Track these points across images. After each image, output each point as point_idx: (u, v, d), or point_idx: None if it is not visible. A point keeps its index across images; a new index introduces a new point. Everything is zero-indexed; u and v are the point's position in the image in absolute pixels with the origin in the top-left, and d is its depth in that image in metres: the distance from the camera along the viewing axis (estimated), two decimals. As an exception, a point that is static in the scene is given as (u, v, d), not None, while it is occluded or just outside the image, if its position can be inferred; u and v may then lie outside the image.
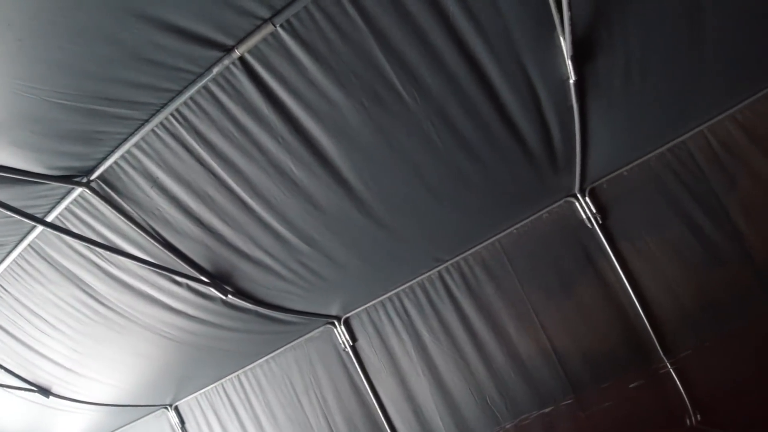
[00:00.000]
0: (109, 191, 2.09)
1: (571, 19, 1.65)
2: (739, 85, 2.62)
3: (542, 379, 2.86)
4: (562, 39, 1.79)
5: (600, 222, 2.82)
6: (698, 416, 2.67)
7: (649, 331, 2.76)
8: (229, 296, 2.59)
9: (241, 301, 2.66)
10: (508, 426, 2.91)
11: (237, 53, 1.68)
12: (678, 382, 2.72)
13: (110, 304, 2.65)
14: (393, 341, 3.14)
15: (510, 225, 2.89)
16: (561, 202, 2.86)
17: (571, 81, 1.96)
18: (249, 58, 1.71)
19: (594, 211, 2.82)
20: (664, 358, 2.73)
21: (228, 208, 2.17)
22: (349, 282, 2.85)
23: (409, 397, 3.14)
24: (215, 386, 3.78)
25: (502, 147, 2.22)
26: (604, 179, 2.83)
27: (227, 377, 3.71)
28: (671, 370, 2.73)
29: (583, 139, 2.38)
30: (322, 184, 2.12)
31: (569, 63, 1.87)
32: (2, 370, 3.15)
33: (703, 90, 2.45)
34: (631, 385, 2.73)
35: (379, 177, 2.16)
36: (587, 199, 2.82)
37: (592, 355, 2.81)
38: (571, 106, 2.12)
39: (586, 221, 2.83)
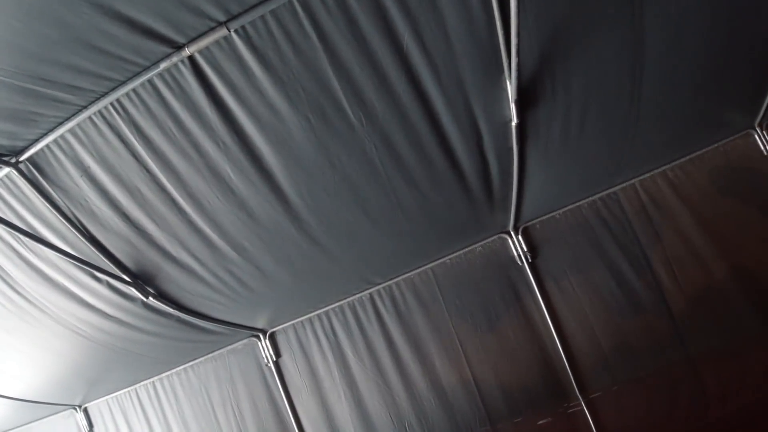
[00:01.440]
0: (37, 175, 2.03)
1: (518, 65, 1.76)
2: (673, 145, 2.86)
3: (461, 409, 2.98)
4: (508, 83, 1.91)
5: (529, 260, 2.98)
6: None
7: (566, 369, 2.92)
8: (151, 298, 2.56)
9: (162, 304, 2.63)
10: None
11: (187, 52, 1.69)
12: (589, 420, 2.89)
13: (26, 294, 2.56)
14: (317, 360, 3.17)
15: (444, 255, 3.00)
16: (495, 237, 3.00)
17: (513, 123, 2.09)
18: (199, 58, 1.73)
19: (525, 249, 2.97)
20: (579, 396, 2.89)
21: (158, 207, 2.15)
22: (278, 296, 2.87)
23: (329, 419, 3.18)
24: (128, 391, 3.69)
25: (443, 180, 2.32)
26: (537, 220, 3.00)
27: (142, 383, 3.62)
28: (584, 409, 2.90)
29: (520, 181, 2.53)
30: (259, 194, 2.14)
31: (513, 106, 1.99)
32: None
33: (637, 146, 2.64)
34: (540, 422, 2.87)
35: (317, 194, 2.20)
36: (519, 237, 2.98)
37: (510, 388, 2.95)
38: (511, 148, 2.25)
39: (517, 258, 2.98)
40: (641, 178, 2.98)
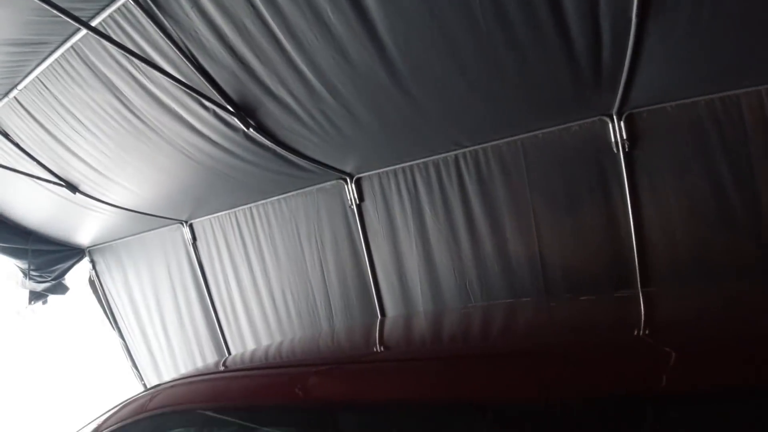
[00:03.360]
0: (152, 5, 2.29)
1: None
2: None
3: (521, 279, 3.22)
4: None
5: (626, 150, 2.95)
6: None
7: (635, 267, 3.00)
8: (251, 130, 2.89)
9: (261, 136, 2.96)
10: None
11: None
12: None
13: (141, 116, 2.98)
14: (396, 210, 3.51)
15: (537, 128, 3.04)
16: (595, 119, 2.96)
17: None
18: None
19: (625, 137, 2.94)
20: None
21: (262, 42, 2.36)
22: (366, 143, 3.13)
23: (398, 263, 3.59)
24: (228, 213, 4.33)
25: (549, 45, 2.29)
26: (645, 108, 2.90)
27: (240, 207, 4.22)
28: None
29: (634, 59, 2.42)
30: (357, 39, 2.26)
31: None
32: (36, 164, 3.63)
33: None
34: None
35: (414, 44, 2.29)
36: (622, 123, 2.92)
37: (572, 271, 3.12)
38: (630, 19, 2.15)
39: (614, 145, 2.96)
40: None
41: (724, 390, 0.84)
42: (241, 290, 4.43)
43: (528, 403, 1.00)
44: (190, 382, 1.71)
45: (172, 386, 1.71)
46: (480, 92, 2.65)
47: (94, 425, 1.74)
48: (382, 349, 1.93)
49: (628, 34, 2.24)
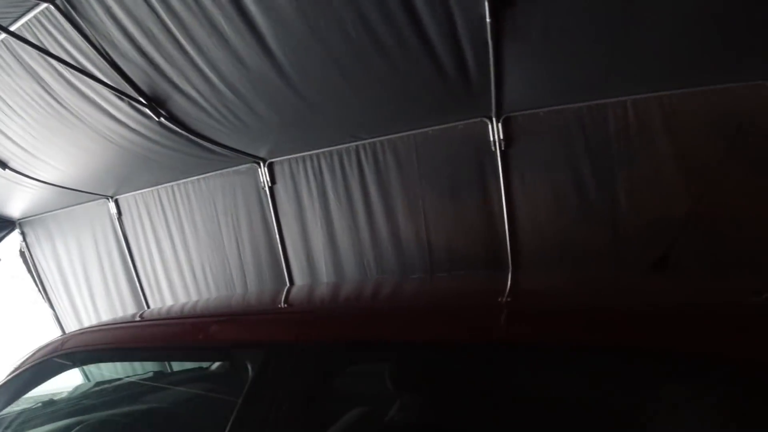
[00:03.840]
0: (71, 11, 2.50)
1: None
2: (673, 74, 2.96)
3: (411, 258, 3.64)
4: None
5: (503, 149, 3.37)
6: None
7: (507, 250, 3.45)
8: (163, 119, 3.12)
9: (173, 125, 3.19)
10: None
11: None
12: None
13: (65, 104, 3.15)
14: (304, 193, 3.85)
15: (428, 125, 3.43)
16: (477, 120, 3.36)
17: (488, 21, 2.29)
18: None
19: (501, 137, 3.35)
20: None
21: (167, 46, 2.58)
22: (272, 135, 3.44)
23: (305, 241, 3.95)
24: (151, 190, 4.56)
25: (418, 62, 2.60)
26: (519, 113, 3.31)
27: (163, 185, 4.46)
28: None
29: (498, 75, 2.79)
30: (248, 46, 2.50)
31: (486, 3, 2.20)
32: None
33: (628, 66, 2.80)
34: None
35: (299, 52, 2.55)
36: (499, 125, 3.33)
37: (455, 251, 3.56)
38: (486, 41, 2.46)
39: (492, 144, 3.38)
40: (635, 98, 3.16)
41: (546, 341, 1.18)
42: (163, 262, 4.69)
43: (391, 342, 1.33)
44: (100, 329, 2.00)
45: (82, 333, 2.00)
46: (364, 95, 2.97)
47: (11, 368, 2.02)
48: (273, 305, 2.24)
49: (488, 53, 2.58)
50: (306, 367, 1.35)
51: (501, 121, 3.34)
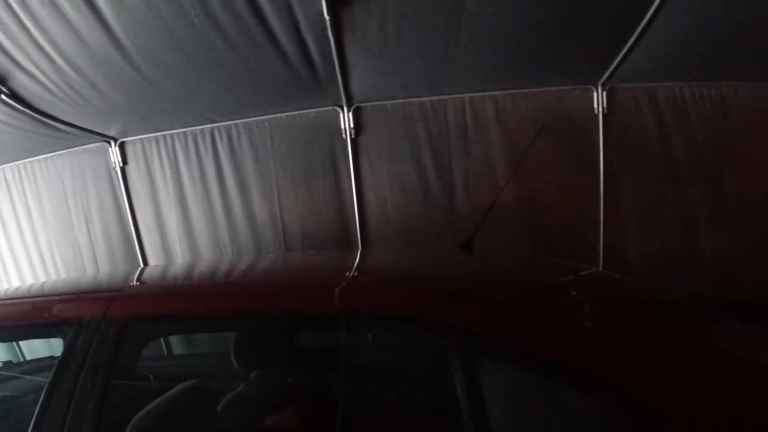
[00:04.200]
0: None
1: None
2: (505, 75, 3.34)
3: (266, 240, 3.76)
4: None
5: (353, 137, 3.60)
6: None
7: (357, 232, 3.70)
8: (3, 96, 2.95)
9: (15, 103, 3.03)
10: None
11: None
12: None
13: None
14: (158, 175, 3.82)
15: (282, 111, 3.58)
16: (330, 108, 3.56)
17: (326, 17, 2.41)
18: None
19: (352, 126, 3.59)
20: (361, 252, 3.70)
21: (8, 22, 2.41)
22: (120, 115, 3.38)
23: (160, 225, 3.91)
24: (-5, 169, 4.25)
25: (263, 51, 2.68)
26: (369, 103, 3.56)
27: (7, 165, 4.19)
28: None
29: (343, 67, 2.98)
30: (91, 26, 2.41)
31: (323, 1, 2.31)
32: None
33: (461, 68, 3.13)
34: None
35: (143, 35, 2.51)
36: (350, 114, 3.56)
37: (308, 232, 3.73)
38: (328, 37, 2.61)
39: (343, 132, 3.59)
40: (472, 95, 3.56)
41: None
42: (10, 246, 4.41)
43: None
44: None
45: None
46: (212, 80, 3.02)
47: None
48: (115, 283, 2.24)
49: (330, 46, 2.73)
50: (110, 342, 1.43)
51: (351, 110, 3.56)
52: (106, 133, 3.71)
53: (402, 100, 3.59)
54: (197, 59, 2.78)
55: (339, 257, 2.90)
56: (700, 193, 3.65)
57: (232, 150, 3.67)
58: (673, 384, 1.01)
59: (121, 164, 3.86)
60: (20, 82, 2.90)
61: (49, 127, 3.42)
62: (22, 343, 2.43)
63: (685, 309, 1.70)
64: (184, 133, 3.71)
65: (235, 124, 3.64)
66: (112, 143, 3.82)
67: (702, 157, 3.64)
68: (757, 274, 3.64)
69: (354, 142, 3.63)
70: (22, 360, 2.34)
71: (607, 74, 3.39)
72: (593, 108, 3.57)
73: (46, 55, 2.68)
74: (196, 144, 3.71)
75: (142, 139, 3.79)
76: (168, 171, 3.79)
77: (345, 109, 3.56)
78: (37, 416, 1.34)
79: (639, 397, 0.99)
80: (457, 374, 1.16)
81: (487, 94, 3.57)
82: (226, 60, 2.79)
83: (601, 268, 3.65)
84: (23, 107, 3.10)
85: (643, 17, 2.62)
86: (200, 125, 3.65)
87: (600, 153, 3.60)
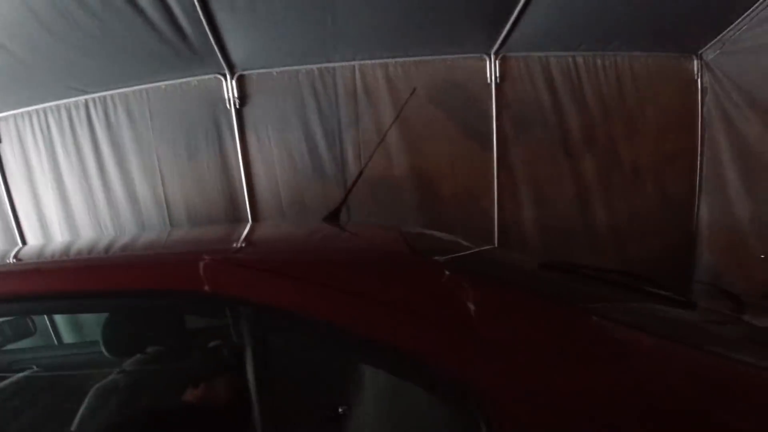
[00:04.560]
0: None
1: None
2: (398, 41, 3.31)
3: (149, 218, 3.60)
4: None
5: (237, 107, 3.48)
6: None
7: (246, 207, 3.57)
8: None
9: None
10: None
11: None
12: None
13: None
14: (32, 152, 3.62)
15: (159, 80, 3.44)
16: (211, 76, 3.45)
17: None
18: None
19: (236, 95, 3.46)
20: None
21: None
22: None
23: (38, 206, 3.71)
24: None
25: (124, 18, 2.64)
26: (254, 71, 3.45)
27: None
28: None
29: (216, 34, 2.92)
30: None
31: None
32: None
33: (342, 33, 3.11)
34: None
35: None
36: (233, 83, 3.45)
37: (194, 210, 3.58)
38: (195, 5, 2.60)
39: (227, 102, 3.47)
40: (362, 62, 3.49)
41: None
42: None
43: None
44: None
45: None
46: (76, 50, 2.92)
47: None
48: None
49: (195, 7, 2.65)
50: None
51: (235, 78, 3.44)
52: (-28, 110, 3.50)
53: (289, 68, 3.50)
54: (57, 29, 2.67)
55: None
56: (594, 162, 3.65)
57: (108, 123, 3.51)
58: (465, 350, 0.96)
59: (-6, 144, 3.65)
60: None
61: None
62: None
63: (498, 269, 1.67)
64: (58, 106, 3.53)
65: (111, 96, 3.48)
66: (-19, 122, 3.61)
67: (595, 126, 3.64)
68: (650, 242, 3.65)
69: (239, 112, 3.51)
70: None
71: (498, 43, 3.38)
72: (486, 77, 3.53)
73: None
74: (70, 118, 3.53)
75: (14, 115, 3.59)
76: (42, 148, 3.60)
77: (228, 77, 3.44)
78: None
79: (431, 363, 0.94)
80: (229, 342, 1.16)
81: (377, 61, 3.51)
82: (89, 29, 2.69)
83: (496, 238, 3.60)
84: None
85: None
86: (74, 97, 3.48)
87: (493, 123, 3.57)
